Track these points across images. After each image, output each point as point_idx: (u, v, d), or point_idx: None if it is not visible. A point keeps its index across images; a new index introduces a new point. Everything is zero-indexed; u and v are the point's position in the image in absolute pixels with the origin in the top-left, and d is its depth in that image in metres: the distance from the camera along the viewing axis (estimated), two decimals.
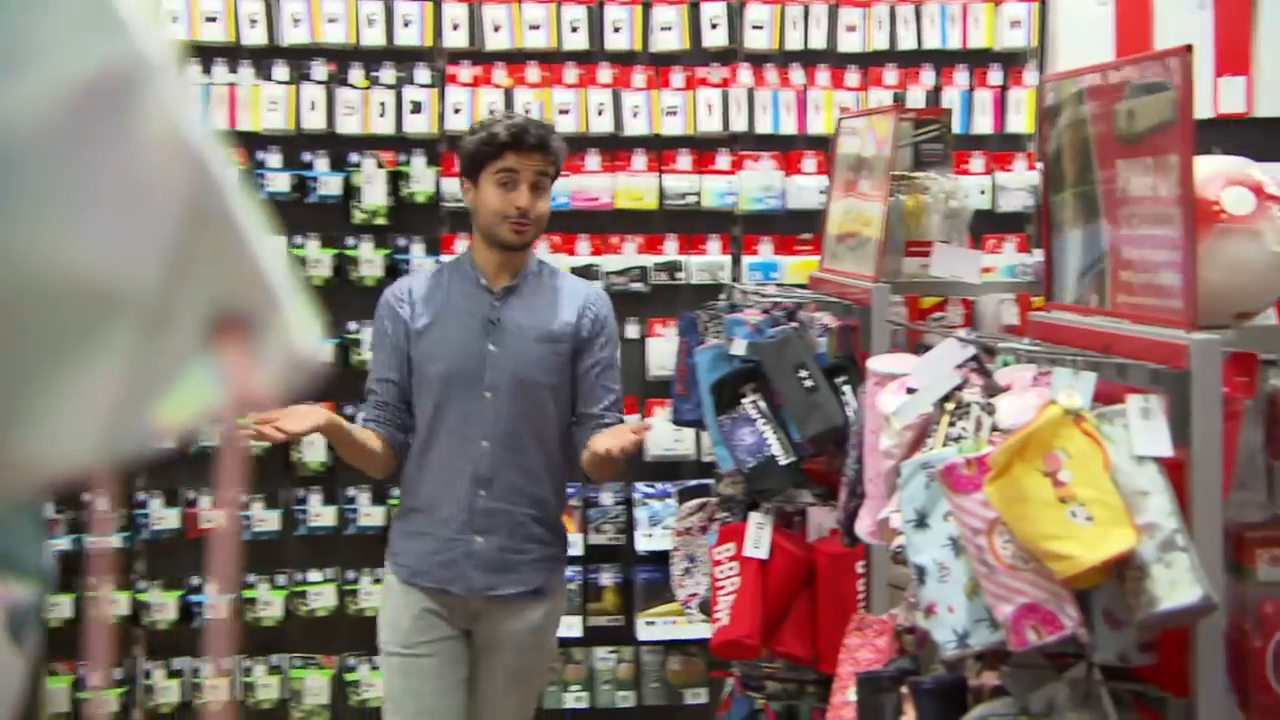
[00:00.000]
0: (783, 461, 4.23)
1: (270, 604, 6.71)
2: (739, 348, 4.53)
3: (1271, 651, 2.99)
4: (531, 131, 4.73)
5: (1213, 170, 3.19)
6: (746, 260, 6.94)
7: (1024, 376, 3.10)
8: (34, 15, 0.74)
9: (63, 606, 6.64)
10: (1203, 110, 6.74)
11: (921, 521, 3.05)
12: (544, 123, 4.96)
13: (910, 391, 3.28)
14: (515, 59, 6.84)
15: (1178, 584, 2.71)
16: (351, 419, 5.24)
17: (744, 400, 4.38)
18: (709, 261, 6.91)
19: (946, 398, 3.21)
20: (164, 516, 6.70)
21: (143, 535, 6.75)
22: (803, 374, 4.18)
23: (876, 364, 3.54)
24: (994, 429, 3.02)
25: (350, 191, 6.80)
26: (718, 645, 4.42)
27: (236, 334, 0.86)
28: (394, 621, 4.88)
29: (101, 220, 0.77)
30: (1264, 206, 3.12)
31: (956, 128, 6.71)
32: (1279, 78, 6.95)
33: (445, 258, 6.37)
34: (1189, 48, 3.00)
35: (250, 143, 6.79)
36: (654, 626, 6.67)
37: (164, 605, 6.70)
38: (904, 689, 3.34)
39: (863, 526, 3.56)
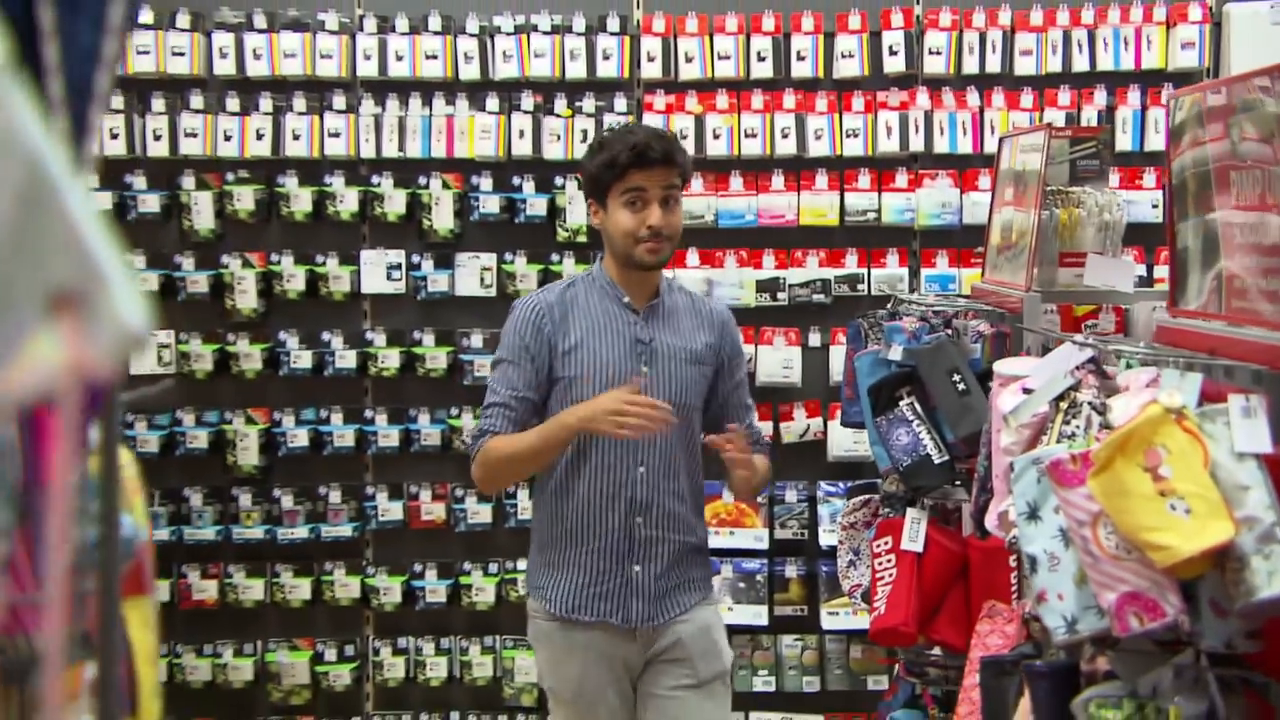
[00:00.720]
0: (937, 460, 4.28)
1: (483, 590, 6.82)
2: (895, 353, 4.56)
3: None
4: (654, 146, 4.29)
5: None
6: (925, 273, 6.91)
7: (1141, 378, 3.05)
8: None
9: (301, 588, 6.85)
10: None
11: (1033, 514, 3.05)
12: (664, 133, 4.57)
13: (1027, 392, 3.27)
14: (706, 87, 6.86)
15: (1276, 574, 2.68)
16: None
17: (900, 403, 4.43)
18: (888, 274, 6.89)
19: (1061, 398, 3.20)
20: (389, 509, 6.86)
21: (371, 525, 6.92)
22: (956, 378, 4.21)
23: (1001, 366, 3.54)
24: (1103, 427, 3.00)
25: (555, 212, 6.90)
26: (875, 633, 4.47)
27: (71, 309, 0.87)
28: (556, 667, 4.51)
29: None
30: None
31: (1129, 145, 6.67)
32: None
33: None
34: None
35: (466, 168, 6.93)
36: (836, 616, 6.65)
37: (390, 589, 6.85)
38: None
39: (990, 520, 3.55)
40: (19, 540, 1.26)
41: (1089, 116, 6.76)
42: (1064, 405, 3.19)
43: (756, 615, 6.85)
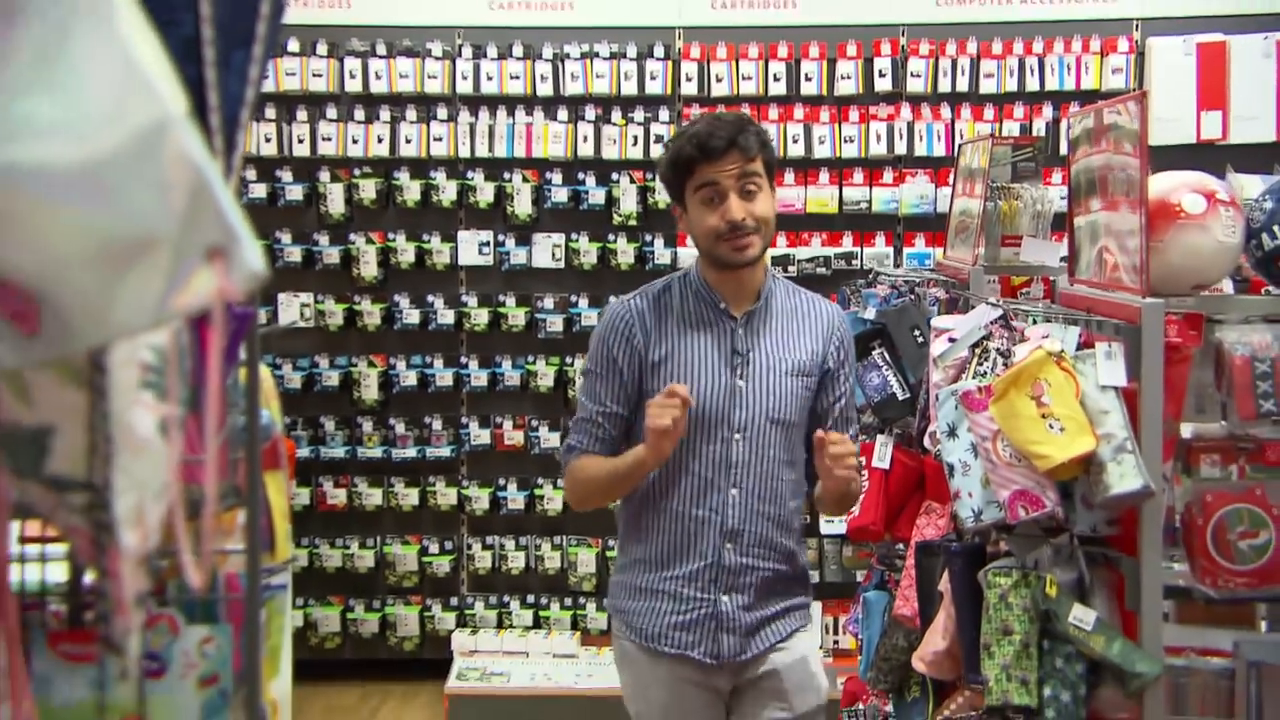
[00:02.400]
0: (900, 397, 4.22)
1: (553, 499, 6.92)
2: (869, 313, 4.65)
3: (1210, 528, 3.03)
4: (718, 134, 3.28)
5: (1178, 180, 3.22)
6: (906, 251, 6.97)
7: (1039, 331, 3.13)
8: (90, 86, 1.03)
9: (411, 496, 7.01)
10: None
11: (952, 432, 3.15)
12: (733, 117, 3.42)
13: (952, 341, 3.37)
14: (732, 102, 6.89)
15: (1125, 476, 2.83)
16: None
17: (873, 352, 4.41)
18: (877, 252, 6.96)
19: (977, 345, 3.29)
20: (480, 434, 6.96)
21: (465, 448, 7.02)
22: (916, 333, 4.25)
23: (936, 321, 3.58)
24: (1007, 368, 3.09)
25: (611, 201, 6.96)
26: (851, 530, 4.45)
27: (219, 258, 1.07)
28: (643, 691, 3.52)
29: (149, 203, 1.05)
30: (1214, 208, 3.13)
31: (1065, 150, 6.79)
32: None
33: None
34: (1144, 94, 3.11)
35: (540, 166, 7.01)
36: (832, 524, 6.61)
37: (480, 497, 6.97)
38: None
39: (927, 439, 3.71)
40: (193, 418, 1.49)
41: (1038, 127, 6.82)
42: (978, 351, 3.28)
43: None
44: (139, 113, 0.99)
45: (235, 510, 1.93)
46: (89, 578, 1.79)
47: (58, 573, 2.01)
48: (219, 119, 1.28)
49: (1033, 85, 6.95)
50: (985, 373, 3.21)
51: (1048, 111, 6.92)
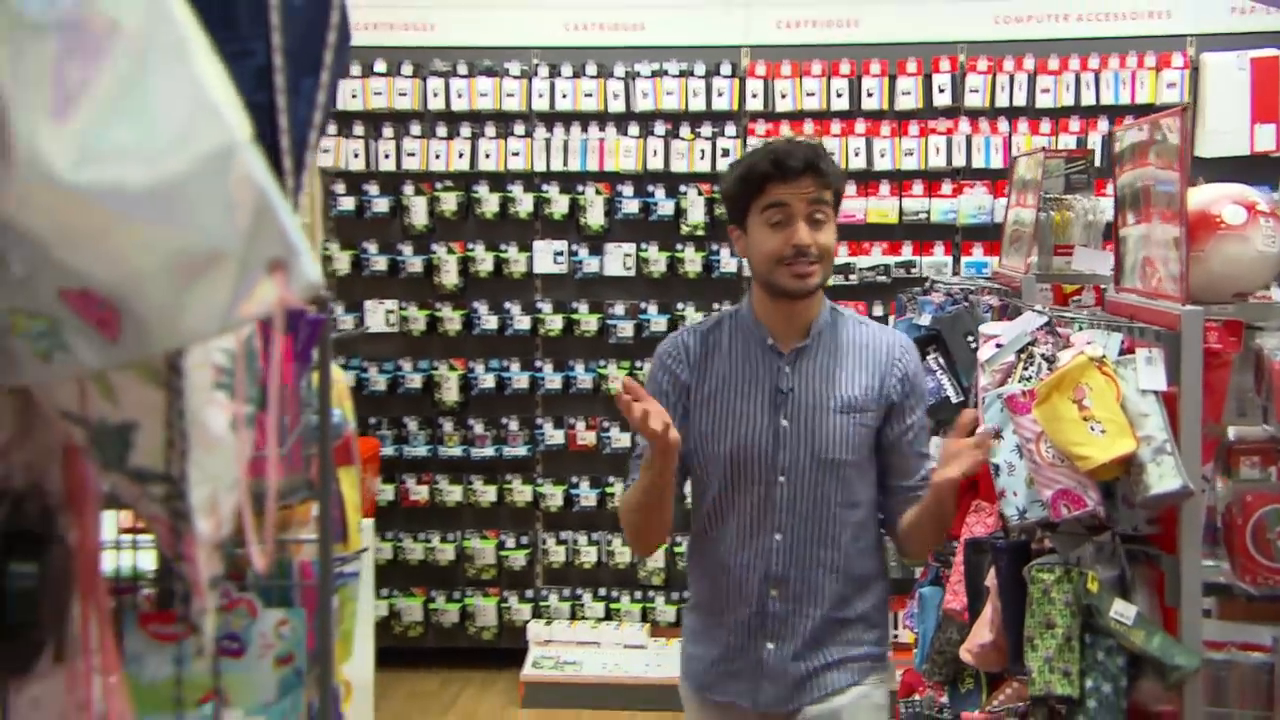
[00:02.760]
0: (954, 400, 4.18)
1: None
2: (924, 319, 4.65)
3: (1250, 527, 2.99)
4: (796, 154, 3.00)
5: (1220, 192, 3.23)
6: (964, 260, 6.95)
7: (1084, 337, 3.13)
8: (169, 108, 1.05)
9: (489, 492, 7.07)
10: None
11: (998, 434, 3.12)
12: (810, 141, 3.14)
13: (999, 347, 3.36)
14: (796, 117, 6.94)
15: (1164, 476, 2.81)
16: None
17: (927, 356, 4.41)
18: (935, 261, 6.95)
19: (1023, 350, 3.27)
20: (554, 435, 7.01)
21: (540, 447, 7.07)
22: (969, 339, 4.23)
23: (984, 328, 3.59)
24: (1050, 372, 3.11)
25: (680, 212, 6.98)
26: None
27: (280, 270, 1.10)
28: None
29: (217, 220, 1.10)
30: (1254, 219, 3.12)
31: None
32: None
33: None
34: (1185, 109, 3.10)
35: (612, 179, 7.05)
36: None
37: (554, 494, 7.02)
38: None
39: None
40: (265, 417, 1.54)
41: (1093, 141, 6.77)
42: (1024, 356, 3.26)
43: None
44: (208, 138, 1.04)
45: (309, 503, 1.99)
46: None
47: (149, 560, 2.08)
48: (289, 140, 1.32)
49: (1088, 100, 6.91)
50: (1030, 377, 3.19)
51: (1103, 125, 6.86)
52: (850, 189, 6.89)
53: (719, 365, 3.15)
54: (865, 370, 3.13)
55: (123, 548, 1.99)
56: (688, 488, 3.29)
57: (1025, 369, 3.27)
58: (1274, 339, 3.13)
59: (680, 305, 7.00)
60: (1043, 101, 6.95)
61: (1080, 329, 3.30)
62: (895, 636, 6.67)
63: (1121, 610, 2.92)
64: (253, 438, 1.35)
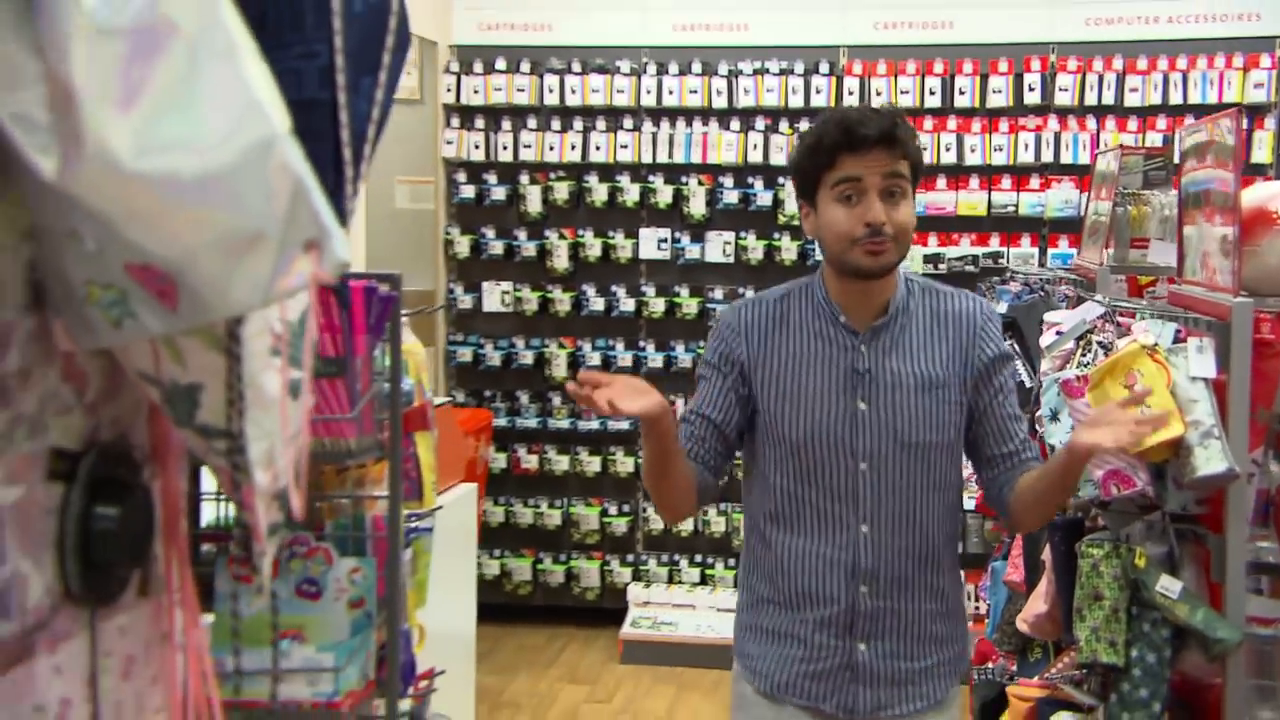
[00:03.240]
0: (1028, 385, 4.18)
1: None
2: (1002, 307, 4.66)
3: None
4: (870, 123, 2.60)
5: (1277, 189, 3.24)
6: (1050, 251, 6.86)
7: (1143, 326, 3.11)
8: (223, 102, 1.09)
9: (594, 463, 7.14)
10: None
11: (1054, 416, 3.14)
12: (886, 110, 2.72)
13: (1059, 334, 3.38)
14: None
15: (1211, 459, 2.80)
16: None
17: (1006, 342, 4.50)
18: (1022, 252, 6.87)
19: (1082, 338, 3.27)
20: None
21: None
22: (1043, 327, 4.30)
23: (1048, 316, 3.62)
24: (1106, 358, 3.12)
25: (777, 203, 6.98)
26: (978, 504, 4.55)
27: (315, 249, 1.15)
28: None
29: (258, 204, 1.16)
30: None
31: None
32: None
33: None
34: (1239, 111, 3.07)
35: (714, 171, 7.06)
36: (970, 500, 6.51)
37: None
38: None
39: (1037, 422, 3.70)
40: (339, 383, 1.62)
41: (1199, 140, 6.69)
42: (1083, 343, 3.26)
43: None
44: (251, 131, 1.10)
45: (382, 463, 2.06)
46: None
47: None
48: (349, 134, 1.38)
49: (1175, 99, 6.79)
50: (1088, 363, 3.19)
51: (1190, 124, 6.73)
52: (941, 182, 6.89)
53: (787, 342, 2.73)
54: (947, 342, 2.75)
55: (220, 499, 2.08)
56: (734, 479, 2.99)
57: (1083, 355, 3.27)
58: None
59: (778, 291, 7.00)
60: (1131, 100, 6.85)
61: (1140, 318, 3.29)
62: (977, 609, 6.71)
63: (1167, 585, 2.92)
64: (309, 401, 1.42)
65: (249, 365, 1.29)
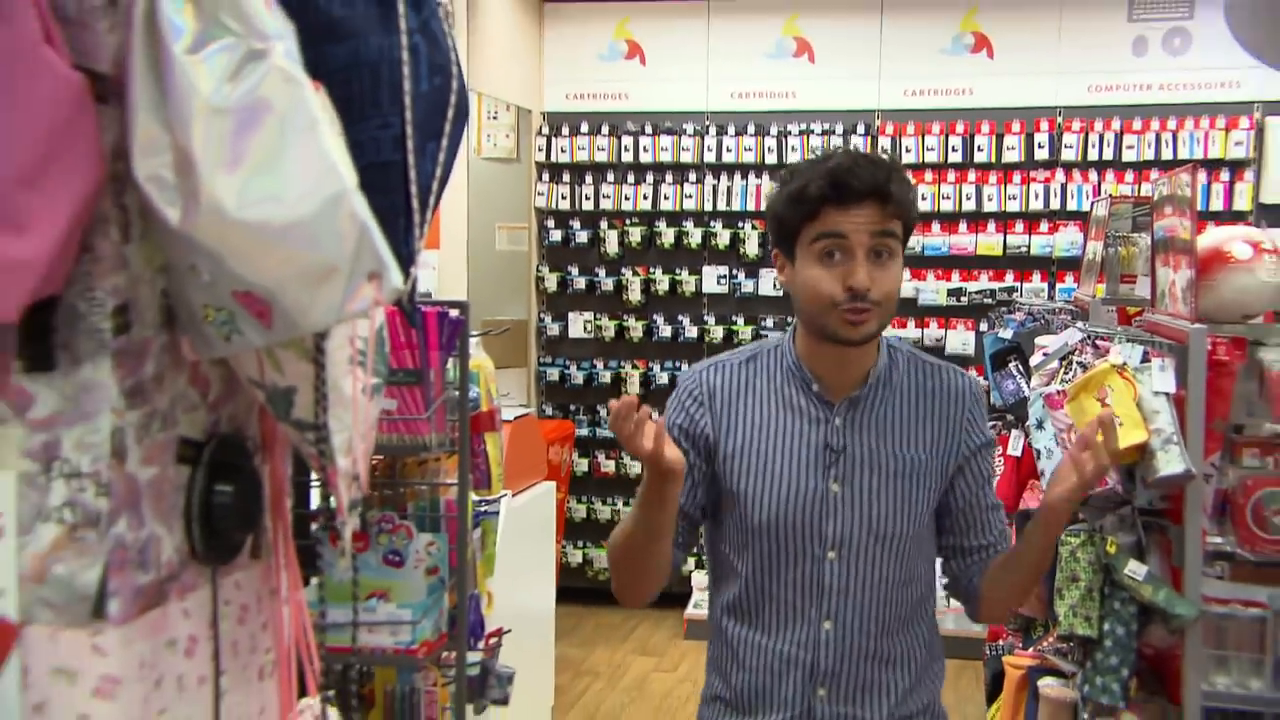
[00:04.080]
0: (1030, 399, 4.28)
1: None
2: (1006, 334, 4.66)
3: (1250, 506, 2.97)
4: (860, 175, 2.00)
5: (1231, 233, 3.21)
6: (1059, 286, 6.83)
7: (1116, 348, 3.14)
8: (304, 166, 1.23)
9: None
10: None
11: (1040, 425, 3.13)
12: (879, 158, 2.08)
13: (1045, 355, 3.40)
14: (918, 168, 6.90)
15: (1170, 461, 2.80)
16: None
17: (1009, 364, 4.44)
18: (1033, 287, 6.84)
19: (1065, 358, 3.29)
20: None
21: None
22: None
23: (1038, 340, 3.65)
24: None
25: None
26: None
27: (376, 279, 1.21)
28: None
29: (332, 245, 1.26)
30: (1259, 255, 3.09)
31: (1199, 206, 6.56)
32: None
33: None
34: (1195, 167, 3.08)
35: (766, 217, 7.09)
36: None
37: None
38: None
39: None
40: (411, 392, 1.70)
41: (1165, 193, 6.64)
42: (1065, 363, 3.27)
43: None
44: (327, 188, 1.20)
45: (453, 457, 2.15)
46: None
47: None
48: (416, 188, 1.44)
49: (1167, 155, 6.75)
50: (1069, 379, 3.18)
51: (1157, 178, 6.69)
52: (963, 226, 6.88)
53: (753, 411, 2.11)
54: (932, 423, 2.15)
55: (323, 485, 2.16)
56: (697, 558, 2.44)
57: (1065, 373, 3.28)
58: (1274, 353, 3.08)
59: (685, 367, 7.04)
60: (1128, 156, 6.82)
61: (1115, 342, 3.31)
62: None
63: (1135, 569, 2.92)
64: (383, 402, 1.51)
65: (332, 372, 1.38)
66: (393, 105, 1.41)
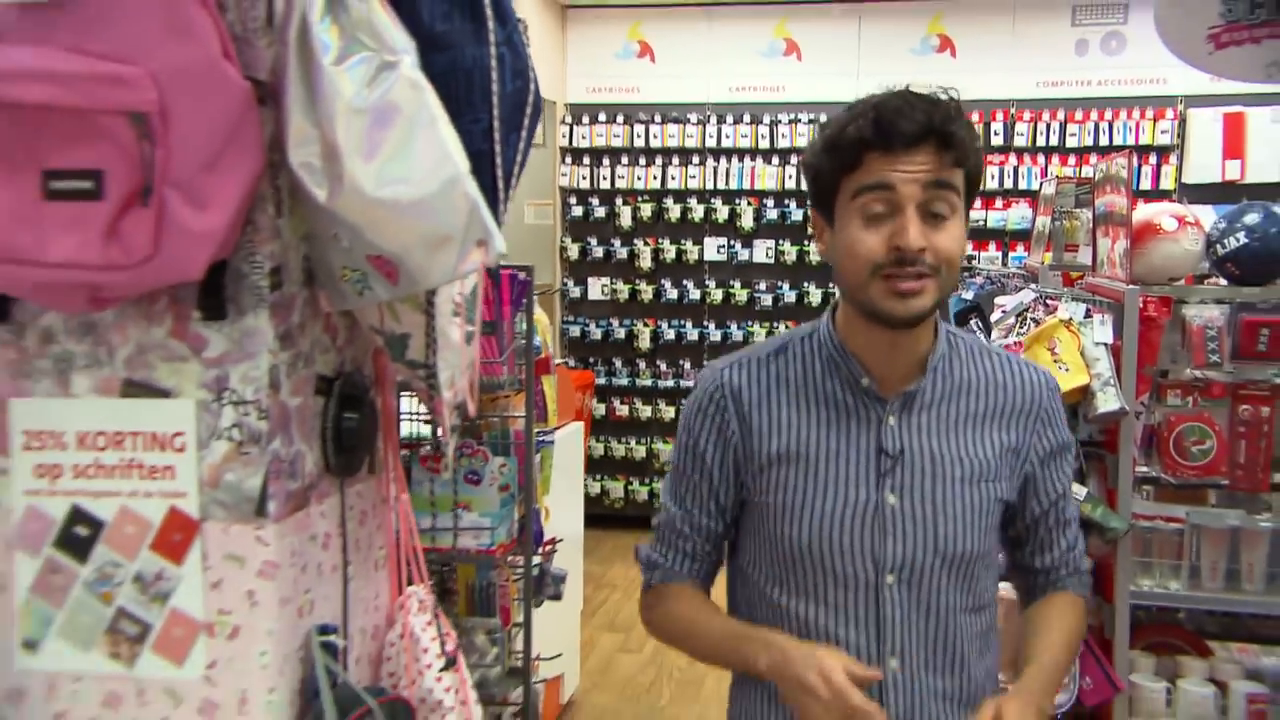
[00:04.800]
0: None
1: None
2: (968, 295, 4.69)
3: (1173, 438, 3.04)
4: (914, 113, 1.41)
5: (1160, 209, 3.23)
6: (1011, 255, 6.84)
7: (1063, 306, 3.17)
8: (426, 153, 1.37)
9: (670, 411, 7.22)
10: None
11: None
12: (938, 97, 1.48)
13: (1004, 312, 3.47)
14: None
15: (1107, 400, 2.87)
16: None
17: (970, 321, 4.49)
18: (990, 255, 6.85)
19: (1020, 315, 3.35)
20: None
21: None
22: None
23: (997, 300, 3.68)
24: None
25: (806, 219, 6.85)
26: None
27: (483, 244, 1.28)
28: None
29: (448, 217, 1.35)
30: (1183, 227, 3.11)
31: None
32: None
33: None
34: (1130, 152, 3.14)
35: (760, 195, 7.03)
36: None
37: None
38: None
39: None
40: (488, 340, 1.78)
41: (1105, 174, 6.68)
42: (1020, 318, 3.34)
43: None
44: (445, 171, 1.29)
45: (521, 394, 2.24)
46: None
47: (424, 429, 2.34)
48: (501, 173, 1.52)
49: (1104, 141, 6.75)
50: (1024, 333, 3.23)
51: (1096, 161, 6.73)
52: None
53: (788, 412, 1.53)
54: (1001, 420, 1.56)
55: (412, 419, 2.27)
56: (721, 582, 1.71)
57: (1020, 327, 3.33)
58: (1194, 309, 3.15)
59: (805, 284, 7.08)
60: (1070, 142, 6.82)
61: (1063, 301, 3.38)
62: None
63: (1076, 490, 2.92)
64: (477, 346, 1.60)
65: (439, 321, 1.48)
66: (483, 104, 1.50)
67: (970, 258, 6.83)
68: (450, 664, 1.62)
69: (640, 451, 7.31)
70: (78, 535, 1.39)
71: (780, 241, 7.10)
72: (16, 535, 1.40)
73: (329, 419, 1.50)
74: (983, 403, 1.53)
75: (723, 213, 7.14)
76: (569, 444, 4.66)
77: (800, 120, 7.02)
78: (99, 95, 1.16)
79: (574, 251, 7.31)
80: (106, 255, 1.21)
